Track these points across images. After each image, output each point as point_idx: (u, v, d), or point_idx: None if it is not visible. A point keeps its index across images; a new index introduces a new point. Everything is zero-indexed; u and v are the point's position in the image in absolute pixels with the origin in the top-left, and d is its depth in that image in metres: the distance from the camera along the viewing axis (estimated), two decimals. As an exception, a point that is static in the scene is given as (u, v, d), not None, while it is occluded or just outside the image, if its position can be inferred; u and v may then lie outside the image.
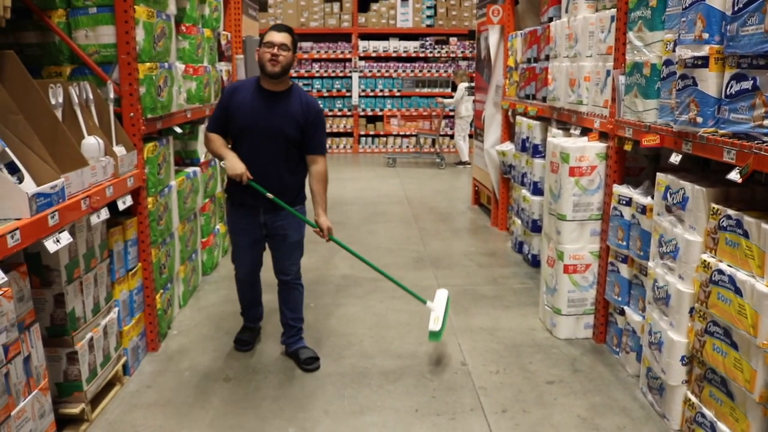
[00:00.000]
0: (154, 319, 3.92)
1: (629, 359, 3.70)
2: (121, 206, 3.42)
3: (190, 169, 4.81)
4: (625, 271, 3.75)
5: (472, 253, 6.05)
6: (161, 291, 4.08)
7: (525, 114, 5.81)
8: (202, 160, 5.11)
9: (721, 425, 2.79)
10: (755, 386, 2.54)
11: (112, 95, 3.49)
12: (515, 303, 4.74)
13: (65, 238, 2.75)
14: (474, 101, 8.47)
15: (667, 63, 3.20)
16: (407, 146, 13.19)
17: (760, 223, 2.53)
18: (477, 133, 8.06)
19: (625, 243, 3.70)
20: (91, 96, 3.37)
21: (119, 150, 3.47)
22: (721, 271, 2.73)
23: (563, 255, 4.05)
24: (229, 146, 3.61)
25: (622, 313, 3.78)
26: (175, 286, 4.42)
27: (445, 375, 3.62)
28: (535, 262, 5.41)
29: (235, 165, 3.48)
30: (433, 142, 12.62)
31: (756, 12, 2.46)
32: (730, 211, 2.73)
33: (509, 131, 6.66)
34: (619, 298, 3.80)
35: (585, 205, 4.00)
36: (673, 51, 3.10)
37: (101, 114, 3.44)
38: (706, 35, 2.79)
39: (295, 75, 13.12)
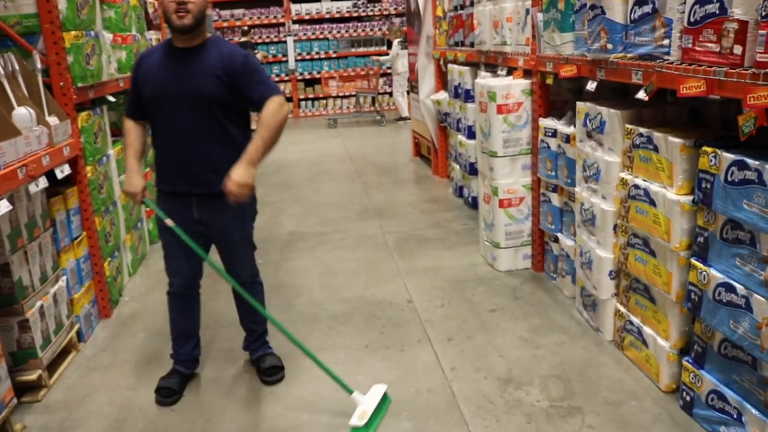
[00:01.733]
0: (104, 287, 3.96)
1: (565, 282, 3.91)
2: (59, 175, 3.43)
3: (126, 138, 4.80)
4: (556, 199, 3.95)
5: (415, 201, 6.21)
6: (109, 259, 4.11)
7: (455, 61, 5.94)
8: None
9: (646, 329, 3.02)
10: (672, 287, 2.76)
11: (39, 66, 3.47)
12: (458, 243, 4.92)
13: (4, 206, 2.77)
14: (408, 55, 8.55)
15: (579, -5, 3.34)
16: (347, 107, 13.23)
17: (667, 137, 2.73)
18: (412, 85, 8.17)
19: (553, 173, 3.89)
20: (17, 67, 3.35)
21: (52, 120, 3.46)
22: (637, 186, 2.93)
23: (497, 190, 4.22)
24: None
25: (556, 240, 3.98)
26: (122, 254, 4.46)
27: (392, 313, 3.78)
28: (475, 205, 5.59)
29: (130, 181, 2.95)
30: (373, 100, 12.69)
31: (650, -63, 2.61)
32: (642, 129, 2.92)
33: (442, 80, 6.78)
34: (553, 226, 4.00)
35: (514, 141, 4.17)
36: (583, -17, 3.24)
37: (30, 85, 3.43)
38: (609, -36, 2.94)
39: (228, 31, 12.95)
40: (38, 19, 3.50)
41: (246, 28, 12.33)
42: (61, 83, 3.60)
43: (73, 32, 3.67)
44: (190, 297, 3.16)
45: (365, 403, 2.75)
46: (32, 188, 3.14)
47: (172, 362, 3.19)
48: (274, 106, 2.74)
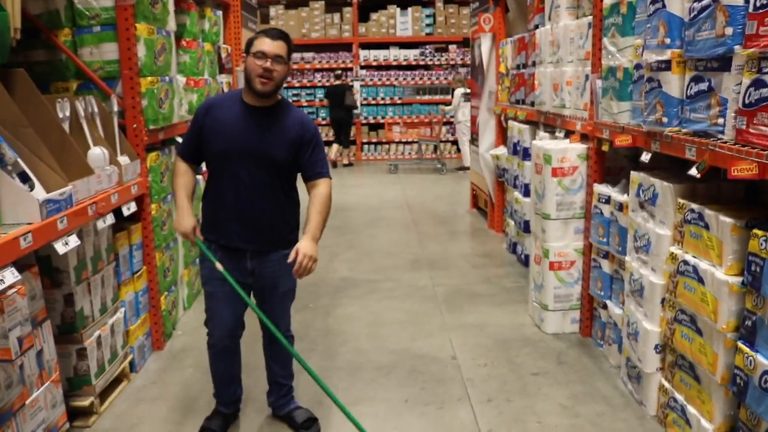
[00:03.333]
0: (159, 320, 4.12)
1: (611, 351, 3.87)
2: (125, 212, 3.63)
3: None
4: (606, 266, 3.93)
5: (468, 254, 6.24)
6: (166, 293, 4.28)
7: (516, 119, 6.00)
8: (204, 169, 5.31)
9: (690, 408, 2.96)
10: (717, 369, 2.71)
11: (116, 108, 3.70)
12: (507, 300, 4.92)
13: (73, 241, 2.95)
14: (471, 107, 8.66)
15: (638, 67, 3.38)
16: (409, 153, 13.39)
17: (719, 216, 2.71)
18: (473, 138, 8.26)
19: (605, 239, 3.88)
20: (96, 109, 3.58)
21: (123, 159, 3.68)
22: (686, 262, 2.91)
23: (548, 252, 4.23)
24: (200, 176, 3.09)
25: (605, 307, 3.95)
26: (179, 289, 4.63)
27: (435, 368, 3.80)
28: (527, 262, 5.57)
29: (181, 220, 2.94)
30: (435, 148, 12.83)
31: (708, 18, 2.65)
32: (694, 205, 2.91)
33: (502, 135, 6.85)
34: (602, 293, 3.97)
35: (568, 204, 4.19)
36: (642, 56, 3.29)
37: (106, 126, 3.66)
38: (668, 40, 2.98)
39: (297, 85, 13.38)
40: (119, 64, 3.75)
41: (339, 71, 12.68)
42: (135, 125, 3.82)
43: (149, 78, 3.90)
44: (231, 348, 3.17)
45: None
46: (100, 224, 3.33)
47: (215, 401, 3.26)
48: (329, 188, 2.97)
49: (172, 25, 4.33)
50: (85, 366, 3.28)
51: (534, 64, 5.41)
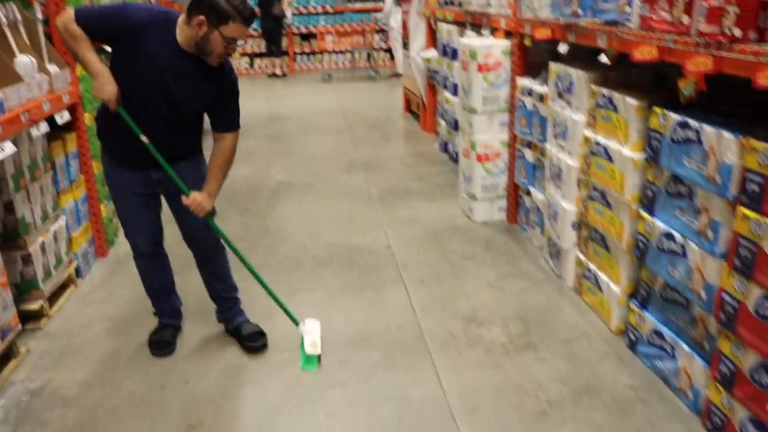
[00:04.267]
0: (101, 227, 4.20)
1: (535, 234, 4.16)
2: (59, 121, 3.64)
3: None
4: (529, 155, 4.17)
5: (402, 155, 6.43)
6: (105, 201, 4.34)
7: (445, 20, 6.08)
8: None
9: (601, 275, 3.28)
10: (623, 237, 3.01)
11: (40, 16, 3.64)
12: (439, 195, 5.16)
13: (9, 148, 2.99)
14: (402, 11, 8.65)
15: (554, -39, 3.51)
16: (343, 62, 13.29)
17: (625, 98, 2.94)
18: (404, 42, 8.29)
19: (528, 130, 4.10)
20: (19, 17, 3.52)
21: (52, 68, 3.65)
22: (598, 143, 3.16)
23: (476, 145, 4.45)
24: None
25: (529, 193, 4.22)
26: (118, 198, 4.68)
27: (371, 258, 4.04)
28: (458, 159, 5.79)
29: (103, 86, 2.62)
30: (368, 56, 12.76)
31: None
32: (605, 90, 3.13)
33: (432, 38, 6.93)
34: (526, 180, 4.23)
35: (493, 99, 4.38)
36: (558, -51, 3.41)
37: (31, 35, 3.60)
38: (580, -68, 3.11)
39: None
40: (38, -32, 3.66)
41: None
42: (61, 32, 3.76)
43: (72, -17, 3.83)
44: (159, 254, 3.13)
45: (312, 333, 2.95)
46: (34, 132, 3.34)
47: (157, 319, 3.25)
48: (234, 142, 2.85)
49: (90, -74, 4.21)
50: (32, 271, 3.37)
51: (460, -37, 5.46)
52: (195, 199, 2.78)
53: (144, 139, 2.72)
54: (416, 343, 3.10)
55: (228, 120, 2.84)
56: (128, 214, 2.98)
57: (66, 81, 3.79)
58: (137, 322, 3.39)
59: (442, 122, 6.31)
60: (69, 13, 2.63)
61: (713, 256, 2.39)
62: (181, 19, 2.64)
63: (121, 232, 4.58)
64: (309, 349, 2.89)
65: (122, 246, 4.38)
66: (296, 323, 3.03)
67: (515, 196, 4.48)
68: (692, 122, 2.45)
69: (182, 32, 2.63)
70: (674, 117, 2.55)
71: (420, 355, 3.00)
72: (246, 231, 4.44)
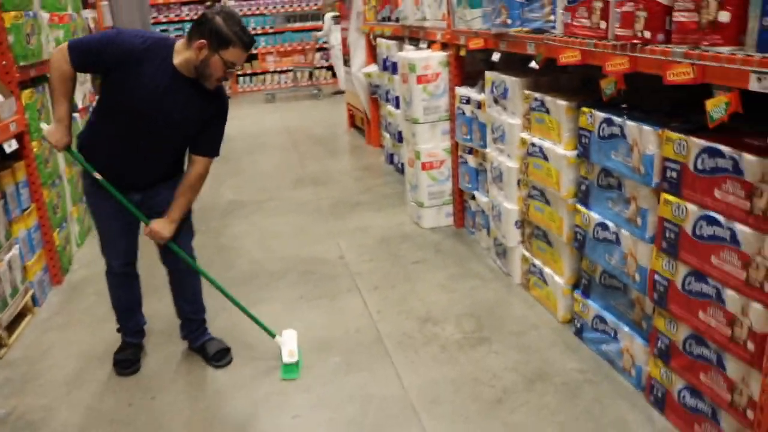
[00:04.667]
0: (55, 255, 4.21)
1: (482, 236, 4.34)
2: (7, 149, 3.66)
3: (68, 115, 5.00)
4: (472, 161, 4.35)
5: (348, 169, 6.57)
6: (58, 229, 4.35)
7: (383, 36, 6.27)
8: (80, 106, 5.29)
9: (546, 269, 3.46)
10: (563, 230, 3.20)
11: (-19, 46, 3.67)
12: (387, 205, 5.31)
13: (-40, 177, 3.02)
14: (341, 30, 8.83)
15: (483, -25, 3.72)
16: (285, 81, 13.39)
17: (556, 100, 3.14)
18: (345, 59, 8.47)
19: (469, 136, 4.29)
20: (-39, 48, 3.55)
21: (-4, 98, 3.68)
22: (533, 144, 3.35)
23: (420, 154, 4.62)
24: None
25: (473, 197, 4.40)
26: (70, 225, 4.69)
27: (325, 268, 4.15)
28: (404, 170, 5.95)
29: (57, 134, 2.78)
30: (310, 74, 12.91)
31: (534, -75, 3.00)
32: (537, 95, 3.33)
33: (372, 53, 7.11)
34: (470, 185, 4.41)
35: (434, 108, 4.56)
36: (486, -36, 3.62)
37: (-26, 65, 3.63)
38: (504, -52, 3.32)
39: (164, 20, 12.96)
40: (-22, 1, 3.69)
41: (209, 2, 12.23)
42: (4, 62, 3.79)
43: (12, 12, 3.86)
44: (131, 274, 3.18)
45: (288, 343, 3.10)
46: (-17, 162, 3.37)
47: (120, 337, 3.28)
48: (205, 169, 2.90)
49: (29, -42, 4.25)
50: (-12, 301, 3.38)
51: (394, -20, 5.65)
52: (152, 228, 2.88)
53: (97, 176, 2.81)
54: (374, 344, 3.23)
55: (209, 145, 2.90)
56: (107, 236, 3.03)
57: (12, 110, 3.81)
58: (98, 345, 3.41)
59: (387, 135, 6.48)
60: (63, 48, 2.68)
61: (643, 241, 2.59)
62: (180, 43, 2.71)
63: (74, 260, 4.60)
64: (287, 359, 3.00)
65: (77, 273, 4.40)
66: (272, 335, 3.15)
67: (461, 201, 4.66)
68: (616, 119, 2.65)
69: (180, 56, 2.68)
70: (600, 115, 2.75)
71: (379, 356, 3.13)
72: (201, 250, 4.42)
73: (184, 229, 3.05)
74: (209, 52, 2.62)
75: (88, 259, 4.63)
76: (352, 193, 5.71)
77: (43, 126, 2.89)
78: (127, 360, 3.20)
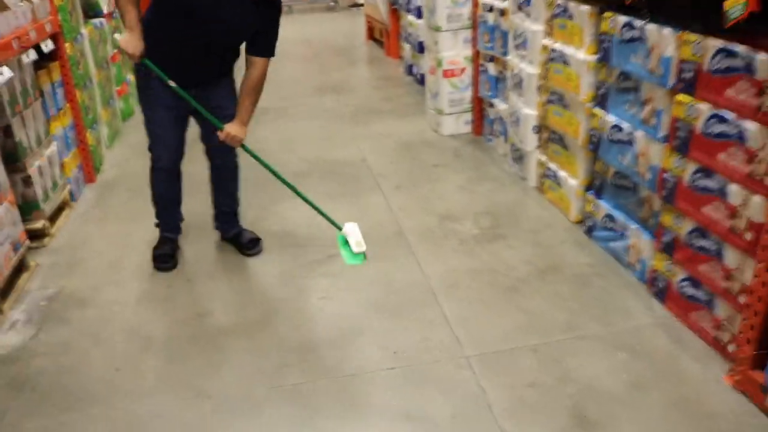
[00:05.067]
0: (88, 154, 4.39)
1: (499, 142, 4.48)
2: (45, 49, 3.79)
3: (96, 20, 5.09)
4: (492, 69, 4.45)
5: (369, 78, 6.66)
6: (89, 130, 4.52)
7: (405, -57, 6.23)
8: (106, 11, 5.36)
9: (561, 172, 3.62)
10: (580, 133, 3.34)
11: (16, -56, 3.74)
12: (407, 114, 5.44)
13: (7, 72, 3.17)
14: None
15: None
16: (301, -7, 13.23)
17: (579, 6, 3.22)
18: (365, -32, 8.39)
19: (490, 45, 4.37)
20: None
21: (32, -3, 3.78)
22: (555, 50, 3.45)
23: (441, 62, 4.71)
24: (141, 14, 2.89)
25: (492, 105, 4.52)
26: (100, 128, 4.86)
27: (349, 169, 4.33)
28: (423, 81, 6.02)
29: (132, 41, 2.82)
30: (327, -14, 12.73)
31: None
32: (560, 0, 3.39)
33: (394, -38, 7.05)
34: (489, 93, 4.52)
35: (456, 16, 4.62)
36: None
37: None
38: None
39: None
40: None
41: None
42: (37, -38, 3.88)
43: None
44: (176, 170, 3.27)
45: (355, 234, 3.28)
46: (24, 59, 3.51)
47: (159, 232, 3.40)
48: (264, 69, 2.98)
49: None
50: (32, 193, 3.58)
51: None
52: (228, 132, 2.98)
53: (171, 83, 2.89)
54: (397, 237, 3.43)
55: (266, 46, 2.95)
56: (158, 127, 3.09)
57: (46, 11, 3.92)
58: (135, 235, 3.63)
59: (407, 46, 6.52)
60: None
61: (656, 140, 2.73)
62: None
63: (105, 161, 4.79)
64: (356, 248, 3.20)
65: (108, 173, 4.60)
66: (339, 228, 3.34)
67: (480, 109, 4.78)
68: (637, 22, 2.74)
69: None
70: (622, 19, 2.85)
71: (401, 247, 3.34)
72: None
73: (232, 116, 3.10)
74: None
75: (118, 160, 4.82)
76: (373, 101, 5.82)
77: (117, 36, 2.90)
78: (166, 254, 3.33)
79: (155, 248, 3.37)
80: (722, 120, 2.31)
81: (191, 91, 2.98)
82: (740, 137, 2.24)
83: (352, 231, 3.32)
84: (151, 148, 3.19)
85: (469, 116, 4.86)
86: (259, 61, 2.95)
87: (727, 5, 2.06)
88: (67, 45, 4.19)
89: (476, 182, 4.06)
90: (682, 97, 2.50)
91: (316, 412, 2.33)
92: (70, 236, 3.72)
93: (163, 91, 2.95)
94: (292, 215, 3.55)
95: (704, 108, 2.39)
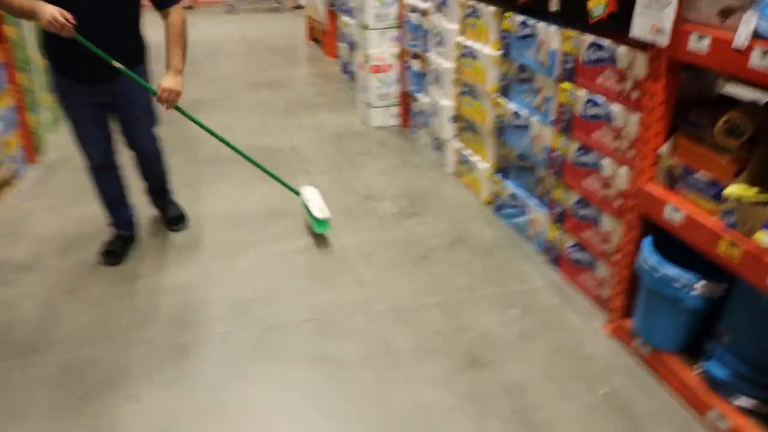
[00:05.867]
0: (30, 135, 4.57)
1: (422, 134, 4.84)
2: (-13, 31, 3.97)
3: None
4: (417, 65, 4.80)
5: (305, 76, 6.96)
6: (31, 113, 4.68)
7: (341, -53, 6.56)
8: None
9: (473, 158, 3.99)
10: (487, 120, 3.71)
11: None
12: (339, 108, 5.76)
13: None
14: (301, -58, 9.01)
15: None
16: (244, -6, 13.43)
17: (486, 7, 3.60)
18: (305, -29, 8.68)
19: (414, 43, 4.73)
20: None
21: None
22: (466, 47, 3.82)
23: (369, 58, 5.05)
24: None
25: (416, 99, 4.87)
26: (42, 111, 5.02)
27: (280, 156, 4.62)
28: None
29: (44, 9, 2.66)
30: (270, -12, 12.97)
31: None
32: (471, 2, 3.77)
33: (331, -35, 7.38)
34: (414, 88, 4.88)
35: (384, 16, 4.97)
36: None
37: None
38: None
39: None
40: None
41: None
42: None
43: None
44: (111, 165, 3.24)
45: (314, 200, 3.46)
46: (-31, 40, 3.69)
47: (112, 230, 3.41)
48: (182, 16, 3.01)
49: None
50: (-26, 168, 3.77)
51: None
52: (164, 87, 2.96)
53: (116, 65, 2.88)
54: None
55: None
56: (80, 127, 3.08)
57: (-10, -4, 4.09)
58: (77, 210, 3.84)
59: (343, 45, 6.85)
60: None
61: (546, 124, 3.12)
62: None
63: (51, 145, 4.95)
64: (318, 214, 3.37)
65: (51, 154, 4.76)
66: (297, 193, 3.55)
67: (406, 103, 5.13)
68: (530, 21, 3.13)
69: None
70: (518, 18, 3.23)
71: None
72: (167, 138, 4.76)
73: (147, 114, 3.22)
74: None
75: (60, 143, 4.98)
76: (307, 96, 6.12)
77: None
78: (113, 252, 3.29)
79: (105, 242, 3.35)
80: (595, 104, 2.70)
81: (102, 86, 2.99)
82: (608, 117, 2.63)
83: (311, 196, 3.50)
84: (81, 149, 3.17)
85: (396, 110, 5.21)
86: (169, 10, 3.00)
87: (590, 5, 2.45)
88: (8, 27, 4.36)
89: (398, 168, 4.41)
90: (565, 85, 2.89)
91: (241, 358, 2.62)
92: (14, 209, 3.90)
93: (76, 91, 2.97)
94: (222, 193, 3.81)
95: (582, 94, 2.78)
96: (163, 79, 3.00)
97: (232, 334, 2.76)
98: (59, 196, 4.09)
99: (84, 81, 2.95)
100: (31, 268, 3.27)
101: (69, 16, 2.69)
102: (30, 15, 2.71)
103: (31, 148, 4.59)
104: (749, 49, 1.79)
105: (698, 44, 1.98)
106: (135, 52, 3.07)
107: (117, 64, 2.90)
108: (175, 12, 3.01)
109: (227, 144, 3.49)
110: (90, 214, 3.70)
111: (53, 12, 2.66)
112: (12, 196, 4.08)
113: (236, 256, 3.35)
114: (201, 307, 2.94)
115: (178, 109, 3.13)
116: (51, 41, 2.88)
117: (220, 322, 2.83)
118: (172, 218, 3.61)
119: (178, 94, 3.03)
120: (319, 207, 3.44)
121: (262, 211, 3.76)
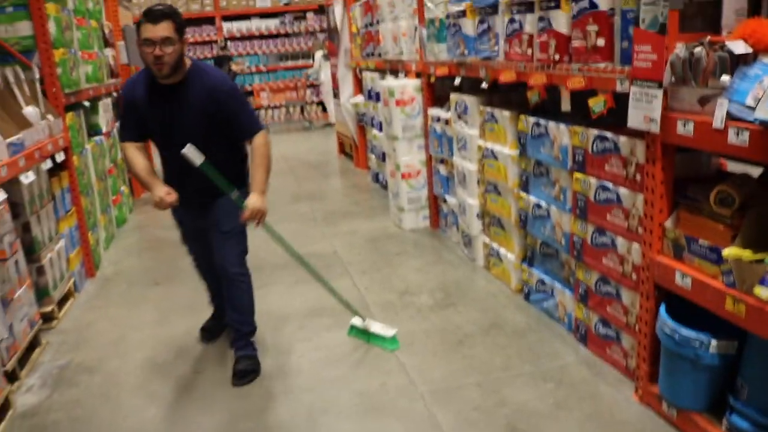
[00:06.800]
0: (89, 252, 4.97)
1: (452, 232, 5.14)
2: (58, 159, 4.45)
3: (97, 137, 5.81)
4: (443, 170, 5.18)
5: (339, 188, 7.40)
6: (90, 231, 5.11)
7: (368, 69, 7.15)
8: (105, 130, 6.10)
9: (501, 250, 4.25)
10: (512, 215, 4.00)
11: (37, 76, 4.49)
12: (373, 214, 6.13)
13: (31, 175, 3.80)
14: (330, 66, 9.73)
15: (447, 16, 4.58)
16: (278, 116, 14.30)
17: (502, 111, 3.98)
18: (334, 92, 9.35)
19: (440, 149, 5.12)
20: (22, 77, 4.37)
21: (50, 117, 4.49)
22: (487, 149, 4.17)
23: (399, 166, 5.44)
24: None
25: (445, 201, 5.21)
26: (99, 230, 5.46)
27: (321, 260, 4.92)
28: (387, 186, 6.78)
29: (158, 190, 3.12)
30: (302, 109, 13.82)
31: (482, -24, 3.88)
32: (488, 109, 4.16)
33: (359, 86, 7.99)
34: (442, 191, 5.23)
35: (410, 127, 5.40)
36: (448, 8, 4.49)
37: (31, 91, 4.44)
38: (461, -6, 4.19)
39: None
40: (34, 39, 4.52)
41: (223, 42, 13.28)
42: (54, 89, 4.62)
43: (61, 49, 4.70)
44: (208, 269, 3.60)
45: (375, 325, 3.61)
46: (43, 166, 4.16)
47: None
48: (263, 140, 3.17)
49: (70, 3, 5.10)
50: (44, 281, 4.13)
51: (378, 22, 6.55)
52: (250, 208, 3.14)
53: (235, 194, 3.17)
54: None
55: (245, 126, 3.16)
56: (183, 236, 3.58)
57: (59, 128, 4.62)
58: (134, 319, 4.16)
59: (372, 156, 7.32)
60: (122, 145, 3.28)
61: (565, 212, 3.40)
62: None
63: (104, 259, 5.36)
64: (389, 332, 3.54)
65: (107, 269, 5.15)
66: (356, 313, 3.67)
67: (435, 205, 5.47)
68: (542, 121, 3.48)
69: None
70: (531, 119, 3.59)
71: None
72: None
73: (234, 240, 3.34)
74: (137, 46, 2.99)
75: (114, 259, 5.39)
76: (343, 206, 6.52)
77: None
78: (206, 329, 3.79)
79: (207, 320, 3.83)
80: (605, 189, 2.99)
81: (195, 211, 3.31)
82: (618, 200, 2.91)
83: (367, 323, 3.63)
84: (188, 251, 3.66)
85: (426, 212, 5.54)
86: (253, 139, 3.17)
87: (591, 103, 2.78)
88: (74, 157, 4.86)
89: (432, 265, 4.68)
90: (577, 174, 3.19)
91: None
92: (76, 320, 4.23)
93: (180, 212, 3.40)
94: (272, 298, 4.09)
95: (593, 181, 3.07)
96: (248, 200, 3.17)
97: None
98: (116, 307, 4.42)
99: (183, 204, 3.22)
100: (96, 371, 3.54)
101: (174, 197, 3.13)
102: (148, 188, 3.19)
103: (90, 264, 4.97)
104: (726, 129, 2.08)
105: (685, 129, 2.29)
106: (237, 175, 3.29)
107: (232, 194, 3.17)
108: (256, 140, 3.17)
109: (301, 261, 3.81)
110: (147, 321, 4.01)
111: (161, 194, 3.11)
112: (74, 308, 4.42)
113: (284, 354, 3.59)
114: (255, 414, 3.16)
115: (266, 226, 3.34)
116: (165, 175, 3.31)
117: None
118: (239, 371, 3.33)
119: (262, 213, 3.20)
120: (382, 327, 3.61)
121: (306, 311, 4.03)
